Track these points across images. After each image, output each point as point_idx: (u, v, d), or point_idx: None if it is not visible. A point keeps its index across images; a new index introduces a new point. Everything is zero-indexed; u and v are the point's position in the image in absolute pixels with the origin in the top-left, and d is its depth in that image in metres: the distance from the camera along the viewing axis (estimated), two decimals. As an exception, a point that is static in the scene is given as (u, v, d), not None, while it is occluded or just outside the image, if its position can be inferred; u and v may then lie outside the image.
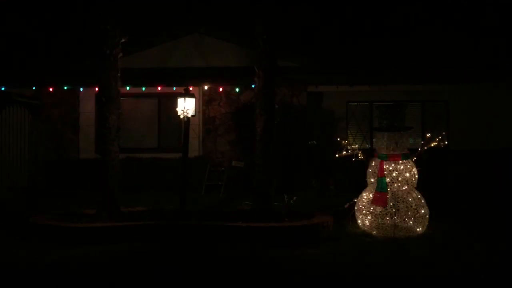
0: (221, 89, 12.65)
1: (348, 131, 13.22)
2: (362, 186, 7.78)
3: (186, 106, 8.11)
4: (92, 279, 5.44)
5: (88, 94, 12.74)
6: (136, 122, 12.80)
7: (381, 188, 7.21)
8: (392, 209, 7.16)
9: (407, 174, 7.33)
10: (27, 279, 5.47)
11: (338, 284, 5.28)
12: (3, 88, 12.35)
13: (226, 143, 12.71)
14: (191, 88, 8.61)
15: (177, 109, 8.20)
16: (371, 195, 7.37)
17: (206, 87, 12.58)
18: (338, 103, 13.03)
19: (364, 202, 7.50)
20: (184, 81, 11.50)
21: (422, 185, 7.64)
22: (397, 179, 7.29)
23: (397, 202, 7.17)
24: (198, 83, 12.35)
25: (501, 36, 14.00)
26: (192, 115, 8.36)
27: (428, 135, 8.52)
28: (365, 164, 7.82)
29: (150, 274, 5.56)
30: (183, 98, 8.11)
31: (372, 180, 7.53)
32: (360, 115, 13.28)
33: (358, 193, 7.78)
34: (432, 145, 7.96)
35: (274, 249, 6.57)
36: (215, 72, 12.58)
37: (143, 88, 12.51)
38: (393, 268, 5.75)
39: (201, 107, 12.62)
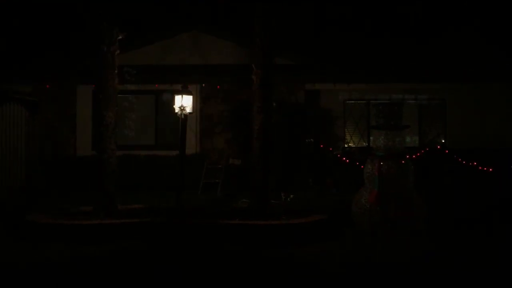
0: (218, 87, 12.62)
1: (346, 129, 13.21)
2: (361, 184, 7.78)
3: (183, 103, 8.10)
4: (91, 278, 5.43)
5: (85, 91, 12.69)
6: (133, 119, 12.75)
7: (378, 186, 7.22)
8: (390, 208, 7.16)
9: (405, 173, 7.33)
10: (28, 279, 5.45)
11: (335, 283, 5.28)
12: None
13: (224, 140, 12.68)
14: (188, 86, 8.59)
15: (174, 106, 8.18)
16: (368, 193, 7.37)
17: (203, 85, 12.55)
18: (336, 101, 13.02)
19: (361, 200, 7.50)
20: (182, 78, 11.46)
21: (419, 184, 7.64)
22: (394, 178, 7.28)
23: (396, 200, 7.17)
24: (196, 80, 12.32)
25: (501, 36, 13.99)
26: (190, 112, 8.35)
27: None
28: (363, 162, 7.83)
29: (148, 273, 5.55)
30: (180, 95, 8.09)
31: (369, 178, 7.52)
32: (357, 113, 13.27)
33: (356, 191, 7.78)
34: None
35: (271, 247, 6.56)
36: (213, 70, 12.55)
37: (141, 85, 12.46)
38: (392, 267, 5.75)
39: (198, 104, 12.57)
